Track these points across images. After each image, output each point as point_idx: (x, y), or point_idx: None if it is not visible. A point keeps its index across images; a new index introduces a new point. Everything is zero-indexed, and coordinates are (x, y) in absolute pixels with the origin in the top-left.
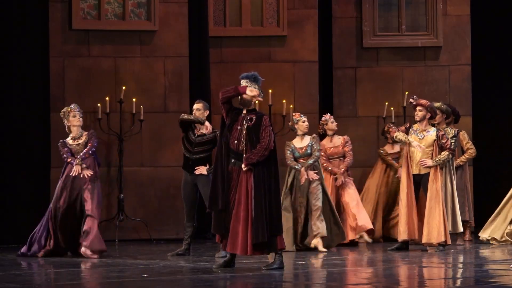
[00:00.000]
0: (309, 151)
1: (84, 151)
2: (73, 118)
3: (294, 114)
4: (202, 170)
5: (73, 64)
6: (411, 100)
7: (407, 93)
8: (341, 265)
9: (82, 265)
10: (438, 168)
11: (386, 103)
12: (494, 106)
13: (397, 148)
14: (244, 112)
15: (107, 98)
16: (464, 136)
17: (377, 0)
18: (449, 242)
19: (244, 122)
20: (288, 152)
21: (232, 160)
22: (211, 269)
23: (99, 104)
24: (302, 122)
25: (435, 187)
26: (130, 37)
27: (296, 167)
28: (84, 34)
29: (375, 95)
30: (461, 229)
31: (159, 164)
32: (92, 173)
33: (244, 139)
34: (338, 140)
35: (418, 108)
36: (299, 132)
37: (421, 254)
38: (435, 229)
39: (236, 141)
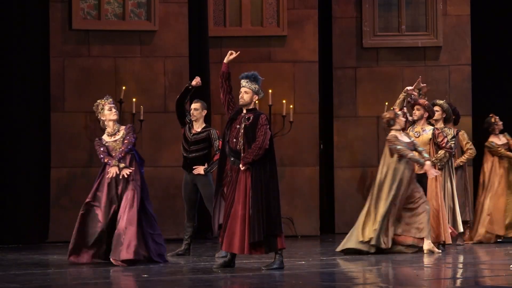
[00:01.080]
0: (413, 148)
1: (120, 149)
2: (109, 112)
3: (394, 108)
4: (199, 170)
5: (73, 64)
6: (408, 99)
7: None
8: (341, 265)
9: (82, 265)
10: (437, 167)
11: (386, 103)
12: (494, 106)
13: (504, 139)
14: (244, 111)
15: None
16: (464, 136)
17: (377, 0)
18: (448, 241)
19: (243, 121)
20: (403, 145)
21: (232, 159)
22: (211, 269)
23: None
24: (401, 117)
25: (434, 187)
26: (130, 37)
27: (421, 160)
28: (84, 34)
29: (375, 95)
30: (461, 229)
31: (159, 164)
32: (131, 170)
33: (242, 138)
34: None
35: (416, 107)
36: (397, 127)
37: (421, 254)
38: (435, 229)
39: (234, 140)
